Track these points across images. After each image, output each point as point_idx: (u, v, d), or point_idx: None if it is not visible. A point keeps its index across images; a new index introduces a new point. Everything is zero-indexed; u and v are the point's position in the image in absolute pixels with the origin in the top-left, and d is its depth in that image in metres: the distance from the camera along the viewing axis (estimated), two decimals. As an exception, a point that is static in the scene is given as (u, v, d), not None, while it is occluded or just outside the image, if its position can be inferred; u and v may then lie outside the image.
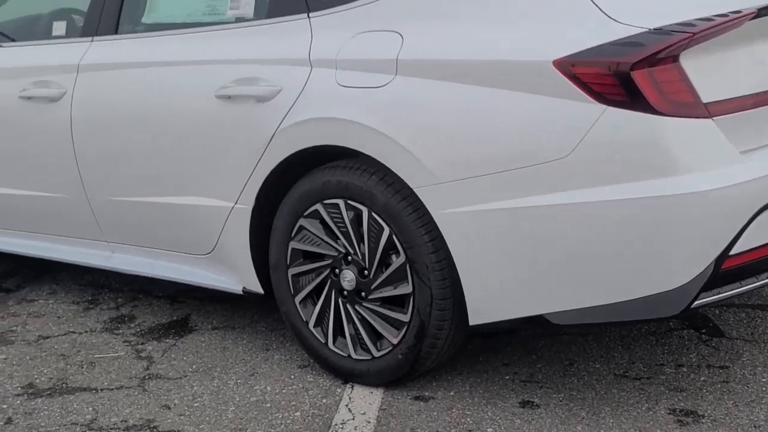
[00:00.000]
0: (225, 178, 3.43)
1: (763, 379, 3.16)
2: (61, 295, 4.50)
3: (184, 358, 3.63)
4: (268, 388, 3.31)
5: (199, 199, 3.56)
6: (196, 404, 3.21)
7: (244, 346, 3.72)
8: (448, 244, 2.91)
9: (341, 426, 2.99)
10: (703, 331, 3.58)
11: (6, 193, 4.28)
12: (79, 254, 4.17)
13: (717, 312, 3.73)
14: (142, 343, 3.81)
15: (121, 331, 3.97)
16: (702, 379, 3.19)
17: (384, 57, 3.01)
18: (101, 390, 3.37)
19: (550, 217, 2.75)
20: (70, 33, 4.08)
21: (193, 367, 3.54)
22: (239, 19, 3.50)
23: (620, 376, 3.25)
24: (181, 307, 4.22)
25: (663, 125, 2.63)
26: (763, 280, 2.86)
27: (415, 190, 2.93)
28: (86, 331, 3.99)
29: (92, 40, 3.88)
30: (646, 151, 2.64)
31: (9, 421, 3.15)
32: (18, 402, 3.29)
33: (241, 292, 3.58)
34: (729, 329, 3.58)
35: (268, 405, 3.17)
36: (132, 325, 4.02)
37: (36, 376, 3.52)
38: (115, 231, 3.97)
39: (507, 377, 3.29)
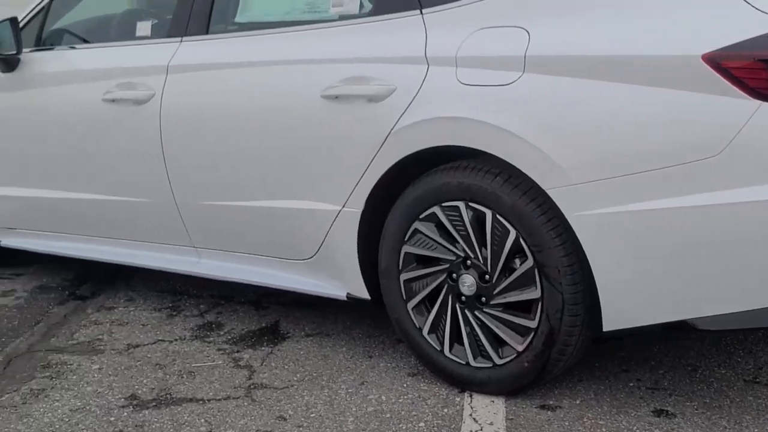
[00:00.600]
0: (332, 181, 3.30)
1: None
2: (139, 302, 4.38)
3: (286, 367, 3.51)
4: (383, 398, 3.19)
5: (301, 202, 3.43)
6: (312, 415, 3.08)
7: (345, 354, 3.60)
8: (583, 246, 2.78)
9: (470, 439, 2.86)
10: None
11: (85, 198, 4.16)
12: (163, 260, 4.05)
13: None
14: (238, 351, 3.68)
15: (211, 338, 3.85)
16: (839, 384, 3.06)
17: (510, 54, 2.88)
18: (208, 401, 3.24)
19: (699, 218, 2.62)
20: (156, 33, 3.94)
21: (297, 375, 3.42)
22: (343, 17, 3.36)
23: (751, 382, 3.14)
24: (267, 314, 4.10)
25: None
26: None
27: (547, 192, 2.80)
28: (176, 339, 3.86)
29: (181, 41, 3.76)
30: None
31: (121, 434, 3.03)
32: (125, 414, 3.17)
33: (345, 298, 3.45)
34: None
35: (388, 415, 3.05)
36: (221, 333, 3.90)
37: (137, 387, 3.40)
38: (204, 236, 3.85)
39: (631, 384, 3.17)
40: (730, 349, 3.39)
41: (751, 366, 3.25)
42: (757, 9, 2.60)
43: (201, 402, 3.24)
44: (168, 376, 3.48)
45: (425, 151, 3.06)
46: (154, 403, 3.25)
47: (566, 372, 3.19)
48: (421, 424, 2.98)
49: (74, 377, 3.53)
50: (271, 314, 4.09)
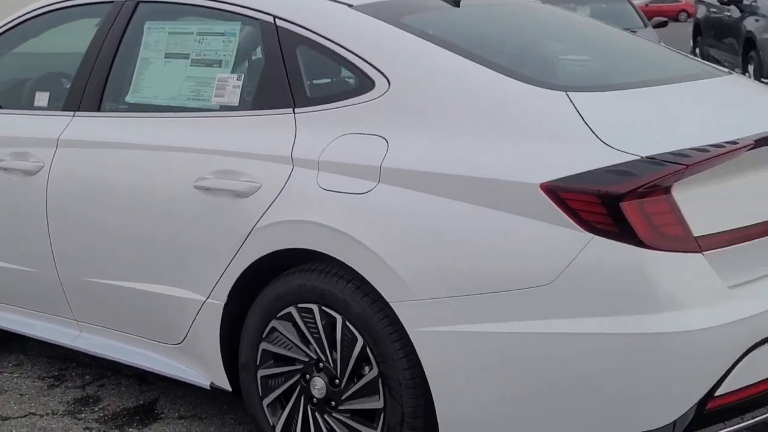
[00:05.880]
0: (198, 272, 3.30)
1: None
2: (27, 367, 4.33)
3: (146, 453, 3.46)
4: (228, 493, 3.14)
5: (171, 288, 3.42)
6: None
7: (211, 442, 3.55)
8: (422, 363, 2.77)
9: None
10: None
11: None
12: (48, 331, 4.01)
13: None
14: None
15: (83, 414, 3.81)
16: None
17: (368, 163, 2.89)
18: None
19: (528, 345, 2.62)
20: (53, 105, 3.93)
21: (154, 465, 3.37)
22: (224, 107, 3.37)
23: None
24: (149, 390, 4.06)
25: (651, 259, 2.51)
26: (748, 420, 2.72)
27: (390, 304, 2.79)
28: (47, 414, 3.82)
29: (74, 115, 3.76)
30: (632, 285, 2.52)
31: None
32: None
33: (209, 387, 3.43)
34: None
35: None
36: (96, 409, 3.86)
37: (-12, 467, 3.35)
38: (85, 311, 3.82)
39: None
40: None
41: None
42: (602, 141, 2.63)
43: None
44: (24, 457, 3.44)
45: (284, 252, 3.05)
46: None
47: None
48: None
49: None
50: (153, 390, 4.04)
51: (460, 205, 2.70)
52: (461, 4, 3.57)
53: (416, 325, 2.76)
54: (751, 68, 12.02)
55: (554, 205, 2.56)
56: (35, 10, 4.15)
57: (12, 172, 3.86)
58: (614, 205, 2.51)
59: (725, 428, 2.68)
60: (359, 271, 2.86)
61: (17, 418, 3.78)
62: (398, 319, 2.81)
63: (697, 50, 15.28)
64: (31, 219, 3.81)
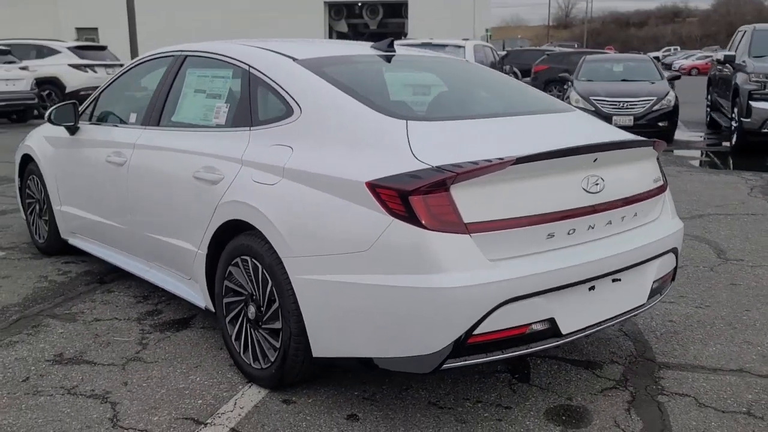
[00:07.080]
0: (194, 231, 3.49)
1: (527, 422, 2.93)
2: (133, 288, 4.62)
3: (166, 348, 3.67)
4: (198, 379, 3.31)
5: (181, 242, 3.64)
6: (144, 384, 3.24)
7: (209, 344, 3.73)
8: (298, 298, 2.86)
9: (220, 415, 2.96)
10: (516, 375, 3.36)
11: (99, 220, 4.47)
12: (131, 265, 4.30)
13: (538, 362, 3.50)
14: (150, 333, 3.88)
15: (145, 321, 4.06)
16: (485, 414, 2.99)
17: (278, 164, 3.00)
18: (97, 364, 3.45)
19: (355, 291, 2.67)
20: (137, 121, 4.22)
21: (166, 355, 3.58)
22: (217, 126, 3.55)
23: (432, 404, 3.09)
24: (195, 308, 4.26)
25: (430, 237, 2.52)
26: (507, 354, 2.68)
27: (282, 259, 2.89)
28: (125, 319, 4.09)
29: (144, 129, 4.03)
30: (417, 254, 2.53)
31: (26, 379, 3.28)
32: (43, 366, 3.41)
33: (204, 309, 3.61)
34: (535, 377, 3.34)
35: (188, 392, 3.17)
36: (155, 318, 4.11)
37: (68, 348, 3.64)
38: (148, 253, 4.07)
39: (356, 393, 3.18)
40: (446, 377, 3.33)
41: (444, 392, 3.19)
42: (413, 154, 2.64)
43: (92, 364, 3.46)
44: (93, 344, 3.71)
45: (236, 221, 3.20)
46: (67, 361, 3.49)
47: (320, 381, 3.24)
48: (200, 401, 3.09)
49: (41, 336, 3.80)
50: (197, 310, 4.25)
51: (320, 194, 2.78)
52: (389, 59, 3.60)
53: (295, 273, 2.86)
54: (736, 109, 11.48)
55: (372, 196, 2.60)
56: (136, 61, 4.45)
57: (112, 164, 4.18)
58: (406, 198, 2.53)
59: (486, 358, 2.65)
60: (267, 236, 2.98)
61: (105, 320, 4.07)
62: (286, 269, 2.90)
63: (709, 97, 14.78)
64: (121, 193, 4.12)
